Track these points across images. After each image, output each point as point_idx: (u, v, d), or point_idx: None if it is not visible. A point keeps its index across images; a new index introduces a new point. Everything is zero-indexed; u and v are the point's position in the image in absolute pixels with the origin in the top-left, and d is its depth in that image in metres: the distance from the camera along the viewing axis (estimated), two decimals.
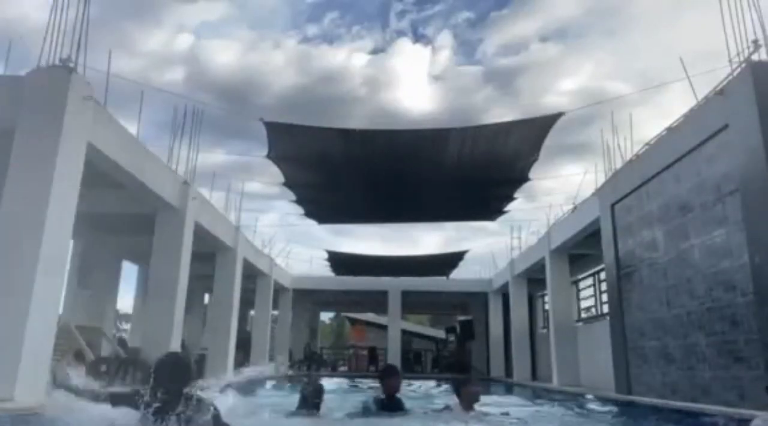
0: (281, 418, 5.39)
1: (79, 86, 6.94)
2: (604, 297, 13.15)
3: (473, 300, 23.93)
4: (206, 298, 20.11)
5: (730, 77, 7.07)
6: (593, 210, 11.48)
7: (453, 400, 5.48)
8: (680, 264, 8.18)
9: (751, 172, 6.56)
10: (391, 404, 5.55)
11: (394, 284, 22.27)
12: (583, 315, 15.70)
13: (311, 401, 5.30)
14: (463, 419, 5.21)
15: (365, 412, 5.55)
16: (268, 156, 12.38)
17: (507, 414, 6.08)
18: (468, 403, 5.32)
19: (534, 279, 17.77)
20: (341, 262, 22.36)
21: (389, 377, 5.60)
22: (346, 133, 11.72)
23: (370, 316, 31.20)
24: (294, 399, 5.63)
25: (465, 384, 5.45)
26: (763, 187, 6.35)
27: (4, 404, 5.30)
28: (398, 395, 5.75)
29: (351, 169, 13.33)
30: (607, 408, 8.54)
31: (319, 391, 5.42)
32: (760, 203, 6.40)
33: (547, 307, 16.84)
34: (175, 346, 10.27)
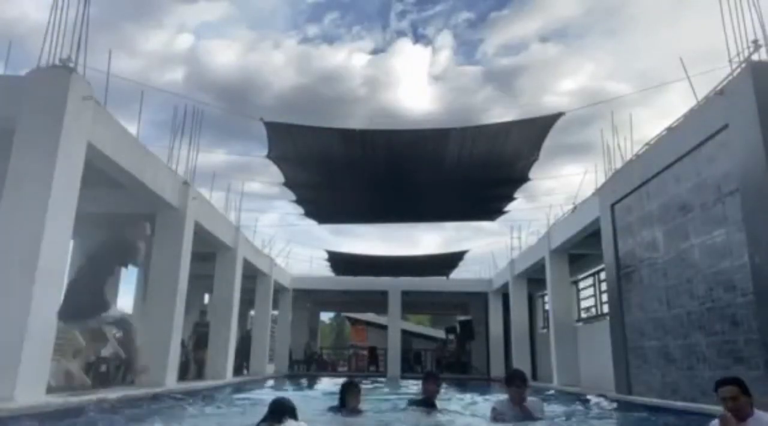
0: (322, 415, 5.52)
1: (79, 86, 6.94)
2: (604, 297, 13.17)
3: (473, 300, 23.94)
4: (206, 298, 20.09)
5: (730, 77, 7.07)
6: (593, 210, 11.49)
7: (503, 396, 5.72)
8: (680, 264, 8.18)
9: (751, 172, 6.56)
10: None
11: (394, 284, 22.27)
12: (583, 315, 15.71)
13: (347, 400, 5.51)
14: (516, 412, 5.40)
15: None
16: (268, 156, 12.39)
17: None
18: (517, 397, 5.49)
19: (534, 279, 17.78)
20: (341, 262, 22.37)
21: (514, 383, 5.65)
22: (346, 133, 11.73)
23: (370, 316, 31.21)
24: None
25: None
26: (763, 187, 6.35)
27: (4, 404, 5.29)
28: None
29: (351, 169, 13.33)
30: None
31: (354, 387, 5.63)
32: (760, 203, 6.40)
33: (547, 307, 16.85)
34: (175, 346, 10.28)
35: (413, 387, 12.85)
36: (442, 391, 6.55)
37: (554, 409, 7.34)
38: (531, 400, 5.66)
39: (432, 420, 5.80)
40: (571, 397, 10.36)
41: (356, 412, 5.55)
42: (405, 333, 25.21)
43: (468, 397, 9.76)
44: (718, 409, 4.09)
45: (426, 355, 25.37)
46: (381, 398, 9.00)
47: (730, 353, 6.94)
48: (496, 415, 5.58)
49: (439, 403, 6.23)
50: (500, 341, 21.06)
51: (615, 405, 8.89)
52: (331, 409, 5.61)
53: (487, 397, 9.92)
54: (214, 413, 7.53)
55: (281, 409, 4.02)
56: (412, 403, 6.22)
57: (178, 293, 10.26)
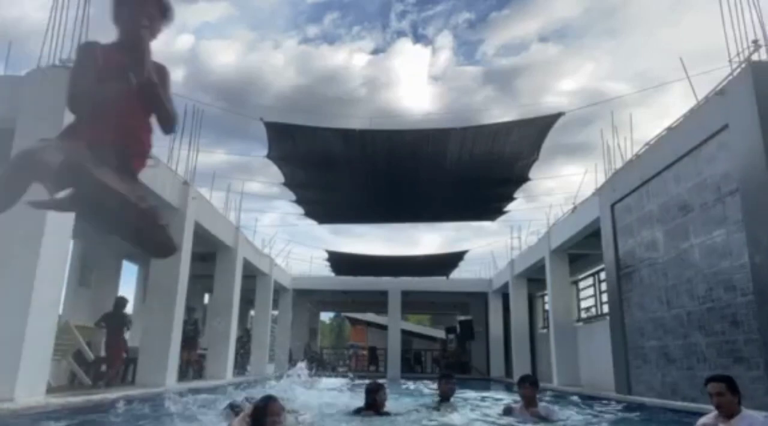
0: (345, 417, 5.61)
1: None
2: (604, 297, 13.16)
3: (473, 300, 23.93)
4: (206, 298, 20.10)
5: (730, 77, 7.07)
6: (593, 210, 11.49)
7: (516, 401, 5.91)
8: (680, 264, 8.18)
9: (751, 172, 6.56)
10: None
11: (394, 284, 22.27)
12: (583, 315, 15.70)
13: (374, 400, 5.67)
14: (527, 417, 5.45)
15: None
16: (268, 156, 12.37)
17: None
18: (529, 401, 5.63)
19: (534, 279, 17.77)
20: (341, 262, 22.35)
21: (524, 386, 5.89)
22: (346, 133, 11.72)
23: (370, 316, 31.19)
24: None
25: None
26: (763, 187, 6.35)
27: (5, 404, 5.29)
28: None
29: (351, 168, 13.33)
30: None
31: (380, 387, 5.79)
32: (760, 203, 6.40)
33: (547, 307, 16.84)
34: (175, 346, 10.27)
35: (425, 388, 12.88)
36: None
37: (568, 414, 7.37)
38: (543, 405, 5.71)
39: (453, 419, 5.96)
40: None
41: (383, 414, 5.69)
42: (405, 333, 25.21)
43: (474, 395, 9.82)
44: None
45: (426, 355, 25.36)
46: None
47: (730, 353, 6.94)
48: (507, 412, 5.69)
49: (453, 401, 6.46)
50: (500, 341, 21.05)
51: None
52: (358, 410, 5.72)
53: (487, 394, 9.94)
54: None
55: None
56: (434, 404, 6.43)
57: (178, 293, 10.26)
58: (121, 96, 2.18)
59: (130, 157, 2.28)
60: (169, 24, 2.33)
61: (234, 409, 5.40)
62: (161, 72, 2.37)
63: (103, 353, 10.65)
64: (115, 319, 10.05)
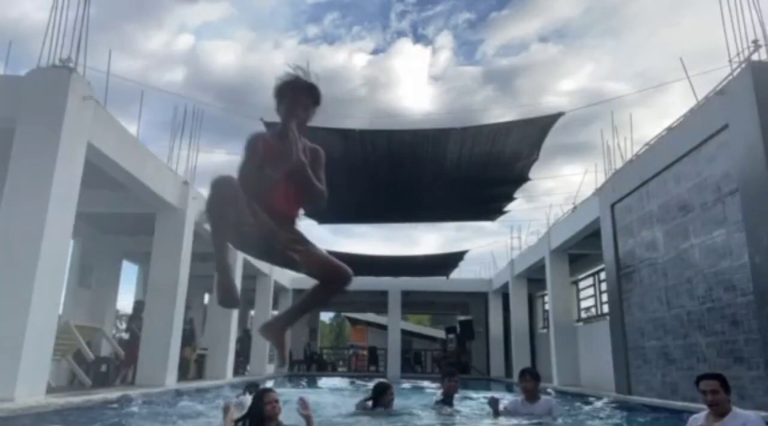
0: (349, 416, 5.69)
1: (79, 86, 6.94)
2: (604, 297, 13.16)
3: (473, 300, 23.93)
4: (206, 298, 20.09)
5: (730, 77, 7.07)
6: (593, 210, 11.49)
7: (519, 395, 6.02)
8: (680, 264, 8.18)
9: (751, 172, 6.56)
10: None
11: (394, 284, 22.26)
12: (583, 315, 15.70)
13: (381, 400, 5.78)
14: (529, 410, 5.47)
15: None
16: None
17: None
18: (530, 394, 5.65)
19: (534, 279, 17.77)
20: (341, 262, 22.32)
21: (525, 379, 5.94)
22: (346, 133, 11.72)
23: (370, 316, 31.17)
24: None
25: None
26: (763, 187, 6.35)
27: (5, 404, 5.29)
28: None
29: (351, 168, 13.31)
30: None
31: (388, 388, 5.91)
32: (760, 203, 6.40)
33: (547, 307, 16.84)
34: (175, 346, 10.28)
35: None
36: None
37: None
38: (545, 399, 5.73)
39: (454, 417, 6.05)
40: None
41: (390, 413, 5.78)
42: (405, 333, 25.19)
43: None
44: None
45: (426, 355, 25.35)
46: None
47: (730, 353, 6.94)
48: (504, 408, 5.69)
49: (456, 400, 6.53)
50: (500, 341, 21.05)
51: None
52: (365, 405, 5.83)
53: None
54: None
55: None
56: (438, 402, 6.50)
57: (178, 293, 10.25)
58: (276, 178, 2.58)
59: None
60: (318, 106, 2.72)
61: (249, 393, 5.43)
62: (315, 154, 2.84)
63: (103, 353, 10.67)
64: (135, 323, 10.74)
